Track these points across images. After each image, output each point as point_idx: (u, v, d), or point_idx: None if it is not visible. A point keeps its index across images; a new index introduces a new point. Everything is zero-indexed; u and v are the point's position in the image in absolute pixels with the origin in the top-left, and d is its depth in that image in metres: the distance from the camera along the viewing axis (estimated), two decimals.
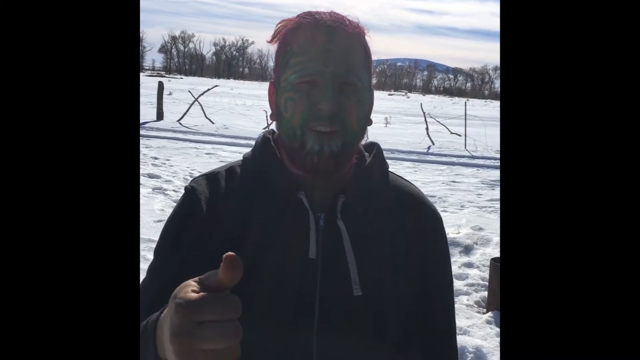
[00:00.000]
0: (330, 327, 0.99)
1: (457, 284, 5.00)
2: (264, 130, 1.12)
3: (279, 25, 1.05)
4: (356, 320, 1.00)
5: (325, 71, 0.97)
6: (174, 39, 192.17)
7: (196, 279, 0.66)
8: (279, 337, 0.98)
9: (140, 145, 11.63)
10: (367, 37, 1.05)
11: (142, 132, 14.02)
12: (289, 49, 1.02)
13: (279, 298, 0.99)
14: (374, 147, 1.15)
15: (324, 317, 0.99)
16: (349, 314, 1.00)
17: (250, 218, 1.04)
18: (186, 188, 1.10)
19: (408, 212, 1.11)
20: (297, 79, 0.99)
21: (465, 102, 22.90)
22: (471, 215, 7.60)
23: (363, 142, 1.10)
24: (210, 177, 1.11)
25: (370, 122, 1.08)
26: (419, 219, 1.12)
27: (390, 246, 1.06)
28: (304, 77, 0.98)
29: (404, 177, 1.19)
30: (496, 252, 5.73)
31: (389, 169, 1.16)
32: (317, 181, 1.04)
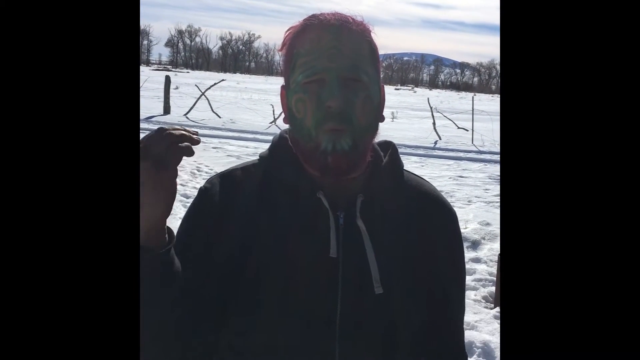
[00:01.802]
0: (352, 325, 1.00)
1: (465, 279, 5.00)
2: (285, 128, 1.13)
3: (287, 31, 1.07)
4: (377, 318, 1.02)
5: (331, 67, 0.99)
6: (180, 33, 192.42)
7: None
8: (301, 335, 0.99)
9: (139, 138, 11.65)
10: (372, 35, 1.06)
11: (149, 126, 14.05)
12: (295, 51, 1.03)
13: (301, 297, 1.00)
14: (389, 146, 1.16)
15: (346, 316, 1.00)
16: (370, 312, 1.01)
17: (266, 218, 1.05)
18: (200, 189, 1.12)
19: (424, 211, 1.12)
20: (305, 78, 1.00)
21: (473, 97, 22.83)
22: (478, 210, 7.59)
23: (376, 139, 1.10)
24: (225, 177, 1.12)
25: (382, 119, 1.09)
26: (434, 217, 1.13)
27: (407, 244, 1.07)
28: (311, 76, 1.00)
29: (419, 175, 1.19)
30: None
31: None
32: (333, 181, 1.04)
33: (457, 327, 1.17)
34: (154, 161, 0.87)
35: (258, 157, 1.14)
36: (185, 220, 1.11)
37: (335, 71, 0.99)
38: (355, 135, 1.00)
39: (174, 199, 0.93)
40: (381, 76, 1.09)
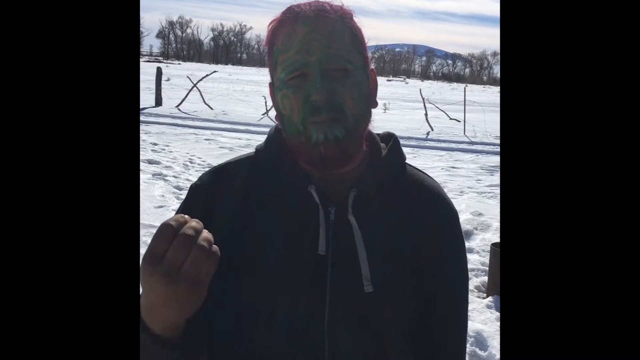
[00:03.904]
0: (340, 323, 0.97)
1: None
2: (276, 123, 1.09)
3: (268, 26, 1.03)
4: (367, 318, 0.98)
5: (311, 61, 0.96)
6: (171, 24, 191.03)
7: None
8: (290, 335, 0.97)
9: (140, 131, 11.61)
10: (354, 18, 1.02)
11: (141, 117, 13.93)
12: (275, 47, 1.01)
13: (289, 295, 0.97)
14: (391, 138, 1.12)
15: (334, 315, 0.97)
16: (359, 311, 0.98)
17: (258, 212, 1.03)
18: (190, 186, 1.10)
19: (423, 207, 1.06)
20: (287, 75, 0.98)
21: (465, 88, 22.82)
22: (471, 200, 7.61)
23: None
24: (217, 172, 1.10)
25: (374, 104, 1.05)
26: (434, 215, 1.07)
27: (403, 242, 1.02)
28: (292, 73, 0.97)
29: (422, 170, 1.15)
30: (496, 238, 5.75)
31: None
32: (327, 174, 1.01)
33: (455, 332, 1.09)
34: (186, 285, 0.80)
35: (254, 150, 1.12)
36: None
37: (317, 64, 0.96)
38: (348, 124, 0.97)
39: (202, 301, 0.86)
40: (370, 59, 1.05)
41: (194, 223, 0.82)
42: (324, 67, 0.96)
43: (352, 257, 0.98)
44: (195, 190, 1.09)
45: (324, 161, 0.98)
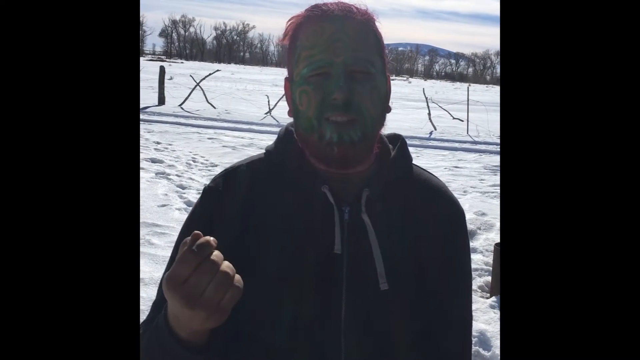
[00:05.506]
0: (357, 320, 0.98)
1: None
2: (290, 121, 1.10)
3: (289, 22, 1.04)
4: (383, 315, 0.99)
5: (336, 61, 0.97)
6: (174, 23, 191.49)
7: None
8: (306, 334, 0.97)
9: (143, 130, 11.63)
10: (377, 23, 1.04)
11: (144, 117, 14.00)
12: (299, 43, 1.01)
13: (306, 293, 0.98)
14: (398, 139, 1.14)
15: (351, 311, 0.98)
16: (376, 308, 0.99)
17: (270, 213, 1.03)
18: (204, 188, 1.11)
19: (431, 206, 1.08)
20: (310, 72, 0.99)
21: (468, 87, 22.80)
22: (474, 200, 7.60)
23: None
24: (230, 174, 1.10)
25: (389, 109, 1.07)
26: (440, 214, 1.09)
27: (411, 241, 1.04)
28: (316, 70, 0.98)
29: (428, 170, 1.16)
30: (499, 237, 5.74)
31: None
32: (339, 173, 1.03)
33: (461, 330, 1.10)
34: (206, 311, 0.80)
35: (264, 151, 1.12)
36: (190, 219, 1.10)
37: (342, 64, 0.97)
38: (365, 127, 0.98)
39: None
40: (387, 66, 1.07)
41: (217, 252, 0.82)
42: (348, 69, 0.97)
43: (366, 256, 0.99)
44: (208, 192, 1.09)
45: (336, 161, 0.99)
